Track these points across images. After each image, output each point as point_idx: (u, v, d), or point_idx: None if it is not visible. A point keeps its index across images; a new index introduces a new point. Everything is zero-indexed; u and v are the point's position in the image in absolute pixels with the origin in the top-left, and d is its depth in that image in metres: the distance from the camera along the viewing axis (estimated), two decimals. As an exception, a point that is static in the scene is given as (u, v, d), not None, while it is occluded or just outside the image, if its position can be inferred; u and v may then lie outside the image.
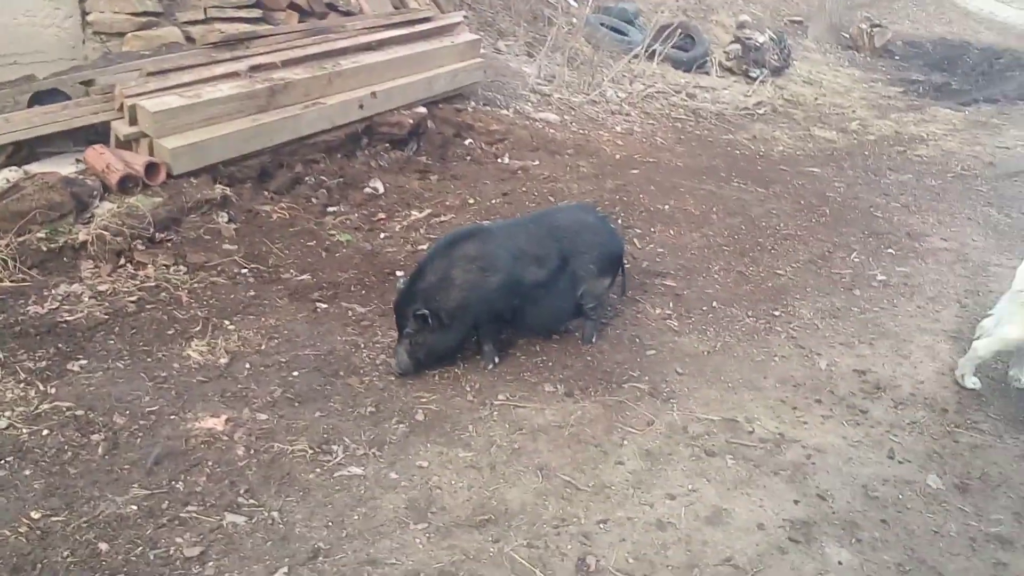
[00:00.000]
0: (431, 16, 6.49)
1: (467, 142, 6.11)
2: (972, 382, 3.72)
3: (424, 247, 4.49)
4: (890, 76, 11.30)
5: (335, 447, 2.94)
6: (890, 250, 5.19)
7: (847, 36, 12.71)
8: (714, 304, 4.29)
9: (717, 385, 3.59)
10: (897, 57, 12.56)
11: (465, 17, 7.07)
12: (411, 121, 5.71)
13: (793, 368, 3.79)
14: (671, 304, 4.25)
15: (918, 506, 2.94)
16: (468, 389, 3.42)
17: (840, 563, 2.64)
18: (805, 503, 2.90)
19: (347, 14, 6.32)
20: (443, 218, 4.98)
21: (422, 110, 5.87)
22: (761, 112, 8.50)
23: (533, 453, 3.05)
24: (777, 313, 4.27)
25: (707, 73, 9.55)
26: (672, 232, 5.12)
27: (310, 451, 2.90)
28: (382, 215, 4.96)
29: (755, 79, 9.51)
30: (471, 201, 5.23)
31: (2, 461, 2.69)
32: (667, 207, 5.44)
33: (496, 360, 3.60)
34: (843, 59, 11.94)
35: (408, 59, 5.86)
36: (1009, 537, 2.81)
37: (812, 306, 4.37)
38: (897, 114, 9.11)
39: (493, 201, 5.25)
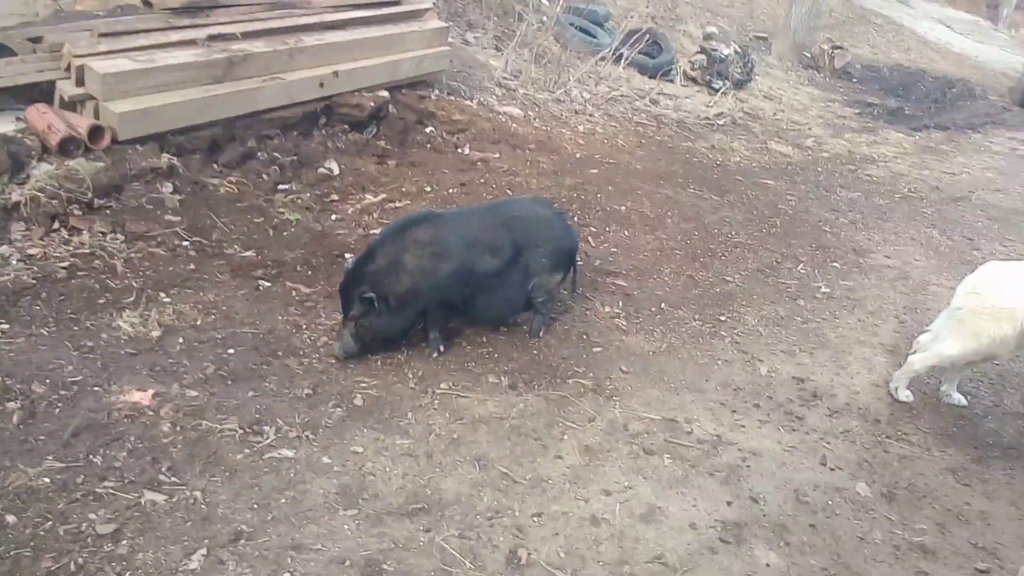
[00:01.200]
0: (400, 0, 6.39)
1: (428, 130, 6.03)
2: (905, 395, 3.80)
3: (376, 231, 4.42)
4: (847, 97, 11.55)
5: (267, 428, 2.86)
6: (836, 264, 5.29)
7: (809, 56, 12.96)
8: (663, 306, 4.31)
9: (660, 385, 3.61)
10: (855, 80, 12.86)
11: (435, 4, 6.98)
12: (372, 104, 5.62)
13: (735, 372, 3.82)
14: (620, 303, 4.25)
15: (846, 512, 2.98)
16: (410, 376, 3.36)
17: (768, 565, 2.66)
18: (738, 505, 2.93)
19: (313, -9, 6.18)
20: (398, 204, 4.91)
21: (384, 94, 5.78)
22: (721, 123, 8.59)
23: (472, 444, 3.02)
24: (723, 318, 4.30)
25: (671, 81, 9.62)
26: (627, 233, 5.13)
27: (240, 431, 2.81)
28: (335, 197, 4.87)
29: (717, 90, 9.61)
30: (428, 189, 5.17)
31: (-91, 425, 2.55)
32: (623, 208, 5.46)
33: (442, 348, 3.55)
34: (803, 78, 12.17)
35: (373, 41, 5.76)
36: (932, 547, 2.87)
37: (757, 313, 4.43)
38: (851, 134, 9.31)
39: (451, 191, 5.19)
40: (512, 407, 3.26)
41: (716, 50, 9.94)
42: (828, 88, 11.88)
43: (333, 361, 3.33)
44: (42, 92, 4.40)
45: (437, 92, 6.43)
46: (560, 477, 2.92)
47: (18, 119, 4.20)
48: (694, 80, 9.90)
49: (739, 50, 10.35)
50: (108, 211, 3.93)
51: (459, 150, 5.92)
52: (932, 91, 12.66)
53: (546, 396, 3.38)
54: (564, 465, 2.99)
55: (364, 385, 3.23)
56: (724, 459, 3.16)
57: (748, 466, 3.14)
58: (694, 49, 10.40)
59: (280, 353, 3.32)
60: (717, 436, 3.30)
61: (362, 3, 6.04)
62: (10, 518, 2.29)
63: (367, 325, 3.33)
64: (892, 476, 3.24)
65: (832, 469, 3.22)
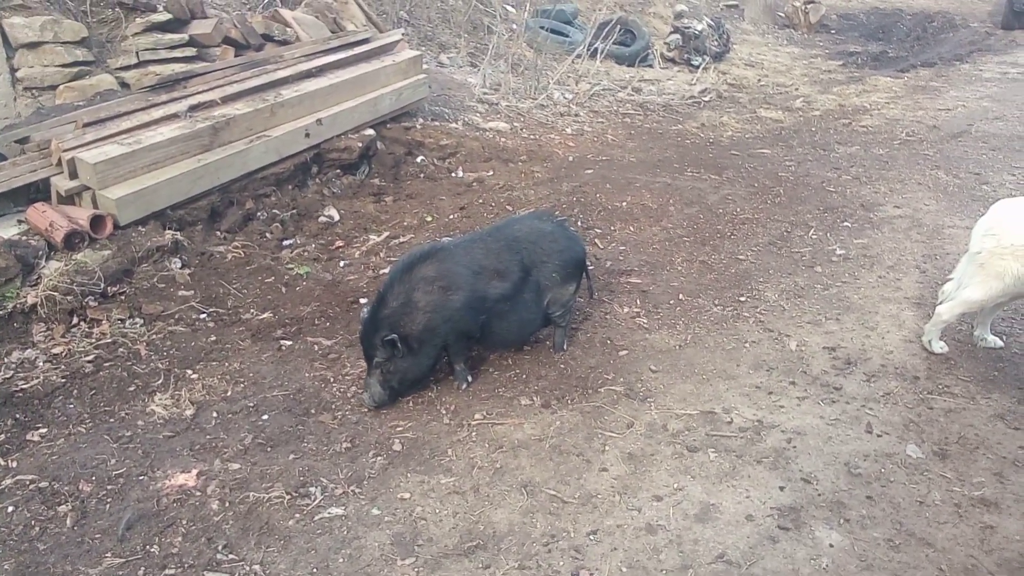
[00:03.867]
0: (369, 37, 6.44)
1: (419, 159, 6.07)
2: (939, 347, 3.76)
3: (386, 271, 4.44)
4: (828, 51, 11.50)
5: (313, 489, 2.87)
6: (846, 223, 5.25)
7: (783, 15, 12.93)
8: (680, 297, 4.30)
9: (692, 378, 3.59)
10: (833, 31, 12.80)
11: (404, 34, 7.03)
12: (360, 144, 5.66)
13: (764, 352, 3.80)
14: (638, 301, 4.24)
15: (901, 478, 2.95)
16: (444, 412, 3.37)
17: (831, 545, 2.64)
18: (791, 488, 2.90)
19: (283, 43, 6.23)
20: (402, 239, 4.94)
21: (370, 132, 5.82)
22: (707, 99, 8.58)
23: (516, 470, 3.01)
24: (743, 299, 4.28)
25: (650, 66, 9.62)
26: (632, 228, 5.13)
27: (287, 496, 2.82)
28: (340, 243, 4.90)
29: (698, 67, 9.61)
30: (429, 219, 5.19)
31: (-34, 545, 2.58)
32: (624, 204, 5.45)
33: (469, 379, 3.56)
34: (781, 38, 12.14)
35: (350, 82, 5.80)
36: (993, 499, 2.84)
37: (776, 288, 4.40)
38: (839, 87, 9.26)
39: (451, 216, 5.21)
40: (549, 426, 3.26)
41: (689, 27, 9.94)
42: (808, 44, 11.83)
43: (366, 411, 3.34)
44: (38, 191, 4.46)
45: (421, 120, 6.47)
46: (608, 490, 2.91)
47: (20, 222, 4.26)
48: (672, 61, 9.90)
49: (712, 23, 10.34)
50: (123, 297, 3.98)
51: (452, 174, 5.95)
52: (912, 29, 12.60)
53: (581, 409, 3.37)
54: (610, 477, 2.98)
55: (400, 429, 3.25)
56: (769, 444, 3.14)
57: (794, 447, 3.12)
58: (667, 30, 10.40)
59: (313, 411, 3.34)
60: (758, 421, 3.28)
61: (333, 47, 6.09)
62: (79, 624, 2.31)
63: (393, 369, 3.33)
64: (941, 432, 3.21)
65: (879, 435, 3.19)
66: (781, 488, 2.91)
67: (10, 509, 2.74)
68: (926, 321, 3.87)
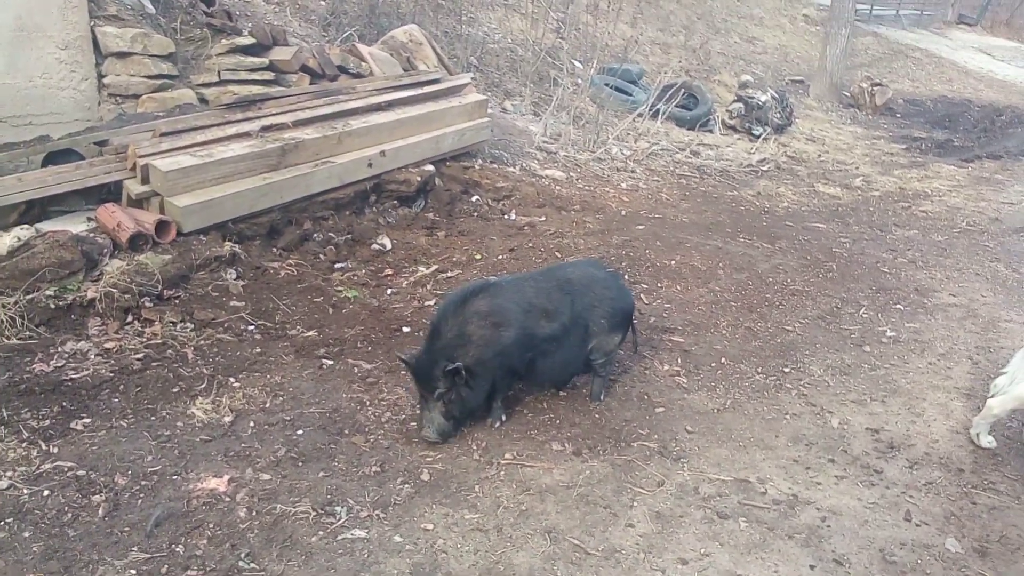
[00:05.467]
0: (440, 78, 6.63)
1: (474, 199, 6.17)
2: (987, 441, 3.65)
3: (431, 303, 4.50)
4: (892, 133, 11.44)
5: (339, 508, 2.88)
6: (899, 306, 5.16)
7: (848, 95, 12.93)
8: (723, 360, 4.25)
9: (728, 444, 3.53)
10: (898, 115, 12.75)
11: (473, 78, 7.23)
12: (419, 179, 5.79)
13: (805, 426, 3.72)
14: (679, 360, 4.21)
15: (937, 571, 2.85)
16: (475, 448, 3.36)
17: (860, 632, 2.55)
18: (821, 568, 2.82)
19: (357, 76, 6.46)
20: (450, 274, 5.00)
21: (430, 168, 5.95)
22: (765, 169, 8.58)
23: (541, 515, 2.99)
24: (787, 370, 4.22)
25: (711, 131, 9.69)
26: (679, 288, 5.11)
27: (313, 513, 2.84)
28: (389, 271, 4.99)
29: (758, 137, 9.64)
30: (478, 257, 5.25)
31: (1, 523, 2.64)
32: (673, 263, 5.45)
33: (503, 418, 3.55)
34: (845, 117, 12.12)
35: (417, 119, 5.97)
36: (1034, 604, 2.72)
37: (822, 363, 4.33)
38: (900, 170, 9.19)
39: (500, 257, 5.27)
40: (578, 474, 3.23)
41: (753, 97, 10.01)
42: (871, 125, 11.80)
43: (397, 437, 3.36)
44: (110, 192, 4.65)
45: (480, 161, 6.60)
46: (633, 547, 2.86)
47: (89, 219, 4.43)
48: (733, 128, 9.95)
49: (776, 95, 10.39)
50: (177, 301, 4.10)
51: (505, 216, 6.03)
52: (980, 120, 12.48)
53: (612, 461, 3.34)
54: (636, 533, 2.93)
55: (429, 459, 3.25)
56: (802, 520, 3.06)
57: (828, 526, 3.03)
58: (731, 98, 10.48)
59: (346, 431, 3.36)
60: (793, 495, 3.20)
61: (404, 84, 6.29)
62: (99, 613, 2.34)
63: (454, 398, 3.31)
64: (983, 529, 3.09)
65: (918, 525, 3.09)
66: (811, 567, 2.82)
67: (46, 493, 2.80)
68: (975, 413, 3.76)
